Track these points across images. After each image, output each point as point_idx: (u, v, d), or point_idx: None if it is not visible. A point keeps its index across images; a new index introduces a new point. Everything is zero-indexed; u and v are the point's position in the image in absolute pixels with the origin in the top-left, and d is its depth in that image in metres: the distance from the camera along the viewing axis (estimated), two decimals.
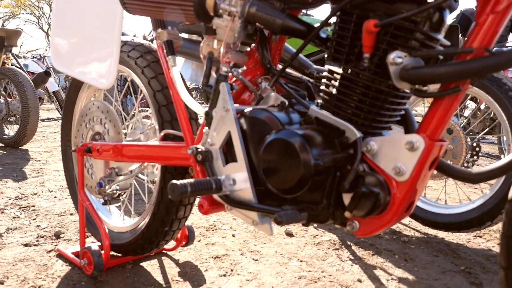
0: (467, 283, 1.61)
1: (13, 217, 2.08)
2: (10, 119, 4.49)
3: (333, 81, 0.88)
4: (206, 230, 2.02)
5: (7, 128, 4.49)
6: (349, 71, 0.84)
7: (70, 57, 1.55)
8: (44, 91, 7.08)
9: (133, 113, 1.62)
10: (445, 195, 2.48)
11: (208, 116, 1.00)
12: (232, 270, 1.61)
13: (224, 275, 1.56)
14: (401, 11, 0.76)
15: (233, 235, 1.97)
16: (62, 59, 1.57)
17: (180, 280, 1.51)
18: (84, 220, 1.56)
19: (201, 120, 1.12)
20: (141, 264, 1.63)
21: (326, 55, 0.89)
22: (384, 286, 1.56)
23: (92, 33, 1.46)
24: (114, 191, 1.51)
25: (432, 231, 2.17)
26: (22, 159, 3.57)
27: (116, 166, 1.51)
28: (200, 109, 1.13)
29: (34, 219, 2.07)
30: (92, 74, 1.46)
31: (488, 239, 2.12)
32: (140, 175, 1.57)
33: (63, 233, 1.90)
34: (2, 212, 2.14)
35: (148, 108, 1.52)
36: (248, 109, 0.95)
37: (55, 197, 2.48)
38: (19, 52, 12.24)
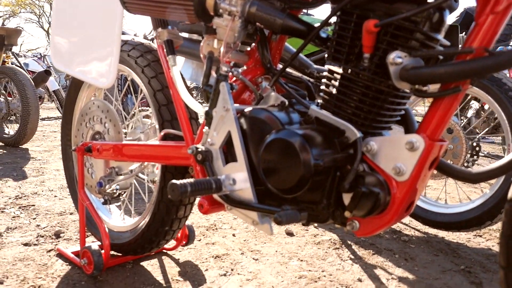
0: (467, 282, 1.61)
1: (13, 217, 2.08)
2: (10, 118, 4.49)
3: (333, 81, 0.88)
4: (207, 230, 2.02)
5: (7, 127, 4.49)
6: (349, 71, 0.84)
7: (70, 56, 1.55)
8: (45, 90, 7.08)
9: (133, 112, 1.62)
10: (445, 195, 2.48)
11: (208, 115, 1.00)
12: (232, 270, 1.61)
13: (225, 275, 1.57)
14: (401, 11, 0.76)
15: (234, 235, 1.97)
16: (62, 58, 1.57)
17: (180, 280, 1.51)
18: (84, 220, 1.56)
19: (201, 119, 1.13)
20: (141, 263, 1.63)
21: (326, 55, 0.90)
22: (384, 285, 1.56)
23: (92, 32, 1.46)
24: (114, 191, 1.51)
25: (432, 231, 2.17)
26: (22, 158, 3.57)
27: (116, 166, 1.51)
28: (200, 108, 1.13)
29: (34, 219, 2.07)
30: (92, 73, 1.46)
31: (488, 239, 2.12)
32: (140, 175, 1.57)
33: (63, 233, 1.90)
34: (2, 212, 2.15)
35: (148, 108, 1.52)
36: (248, 109, 0.95)
37: (55, 196, 2.48)
38: (20, 51, 12.24)
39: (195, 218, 2.16)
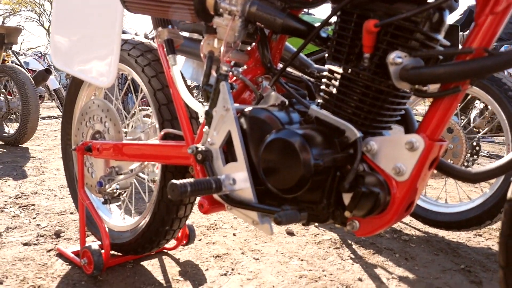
0: (467, 281, 1.61)
1: (13, 216, 2.08)
2: (10, 117, 4.48)
3: (333, 81, 0.88)
4: (207, 229, 2.02)
5: (7, 126, 4.49)
6: (349, 70, 0.84)
7: (70, 55, 1.55)
8: (45, 89, 7.08)
9: (133, 111, 1.62)
10: (446, 194, 2.48)
11: (208, 115, 1.00)
12: (232, 269, 1.61)
13: (225, 274, 1.57)
14: (401, 11, 0.76)
15: (234, 234, 1.97)
16: (62, 57, 1.57)
17: (180, 280, 1.51)
18: (84, 219, 1.56)
19: (202, 119, 1.12)
20: (141, 263, 1.63)
21: (326, 55, 0.90)
22: (384, 285, 1.56)
23: (92, 31, 1.46)
24: (114, 190, 1.51)
25: (432, 230, 2.18)
26: (22, 158, 3.57)
27: (116, 165, 1.51)
28: (200, 108, 1.13)
29: (34, 218, 2.07)
30: (92, 72, 1.46)
31: (488, 238, 2.12)
32: (140, 174, 1.57)
33: (63, 232, 1.90)
34: (2, 211, 2.15)
35: (148, 107, 1.52)
36: (248, 109, 0.95)
37: (56, 195, 2.48)
38: (20, 50, 12.25)
39: (196, 217, 2.16)
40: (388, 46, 0.78)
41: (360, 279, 1.58)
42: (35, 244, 1.75)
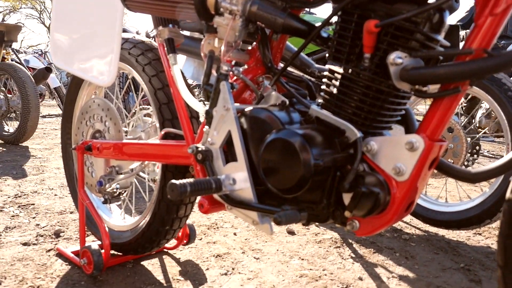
0: (466, 280, 1.62)
1: (12, 216, 2.08)
2: (10, 116, 4.48)
3: (333, 81, 0.88)
4: (208, 229, 2.02)
5: (7, 125, 4.49)
6: (350, 71, 0.84)
7: (70, 54, 1.55)
8: (46, 87, 7.08)
9: (134, 111, 1.62)
10: (446, 193, 2.48)
11: (209, 115, 1.00)
12: (233, 269, 1.61)
13: (225, 274, 1.57)
14: (402, 11, 0.76)
15: (235, 234, 1.97)
16: (62, 56, 1.57)
17: (181, 279, 1.52)
18: (84, 219, 1.56)
19: (202, 118, 1.12)
20: (141, 263, 1.63)
21: (327, 55, 0.89)
22: (385, 284, 1.56)
23: (92, 30, 1.45)
24: (115, 190, 1.51)
25: (432, 229, 2.18)
26: (22, 156, 3.57)
27: (117, 165, 1.51)
28: (200, 107, 1.13)
29: (34, 218, 2.07)
30: (92, 71, 1.46)
31: (487, 237, 2.12)
32: (140, 174, 1.57)
33: (63, 232, 1.90)
34: (1, 211, 2.15)
35: (149, 106, 1.52)
36: (248, 108, 0.95)
37: (56, 195, 2.48)
38: (20, 47, 12.23)
39: (196, 217, 2.17)
40: (389, 47, 0.78)
41: (360, 278, 1.58)
42: (34, 244, 1.75)
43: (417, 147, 0.76)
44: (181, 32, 1.26)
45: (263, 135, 0.89)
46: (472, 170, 0.87)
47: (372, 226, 0.84)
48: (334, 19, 0.88)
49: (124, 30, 1.37)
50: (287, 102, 0.95)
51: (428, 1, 0.76)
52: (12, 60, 5.69)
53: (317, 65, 1.36)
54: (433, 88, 0.78)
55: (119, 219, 1.71)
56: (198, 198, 1.07)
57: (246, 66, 1.12)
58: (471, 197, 2.34)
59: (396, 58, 0.76)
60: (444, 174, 0.90)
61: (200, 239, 1.88)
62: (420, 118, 0.86)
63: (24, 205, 2.25)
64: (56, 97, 6.67)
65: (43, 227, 1.94)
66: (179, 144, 1.23)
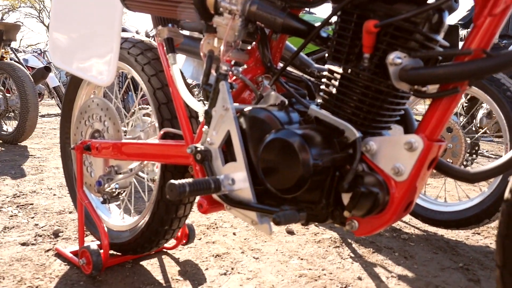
0: (465, 279, 1.62)
1: (11, 216, 2.08)
2: (9, 115, 4.47)
3: (333, 81, 0.88)
4: (207, 228, 2.02)
5: (6, 124, 4.48)
6: (349, 71, 0.84)
7: (69, 53, 1.55)
8: (45, 87, 7.07)
9: (133, 110, 1.62)
10: (445, 193, 2.48)
11: (208, 115, 1.00)
12: (232, 269, 1.61)
13: (225, 274, 1.57)
14: (401, 12, 0.76)
15: (234, 233, 1.97)
16: (61, 55, 1.57)
17: (180, 279, 1.51)
18: (83, 219, 1.55)
19: (202, 118, 1.12)
20: (141, 263, 1.63)
21: (326, 55, 0.89)
22: (384, 283, 1.56)
23: (91, 29, 1.45)
24: (114, 190, 1.51)
25: (431, 229, 2.18)
26: (21, 156, 3.57)
27: (116, 164, 1.51)
28: (199, 107, 1.13)
29: (32, 218, 2.07)
30: (91, 71, 1.45)
31: (486, 236, 2.12)
32: (140, 173, 1.57)
33: (62, 232, 1.89)
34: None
35: (148, 106, 1.51)
36: (247, 108, 0.95)
37: (54, 195, 2.48)
38: (19, 47, 12.22)
39: (196, 216, 2.17)
40: (388, 47, 0.78)
41: (359, 278, 1.58)
42: (33, 244, 1.75)
43: (416, 147, 0.76)
44: (180, 31, 1.25)
45: (262, 135, 0.89)
46: (471, 170, 0.87)
47: (371, 226, 0.84)
48: (334, 19, 0.88)
49: (124, 30, 1.37)
50: (286, 102, 0.95)
51: (428, 1, 0.76)
52: (11, 59, 5.66)
53: (316, 65, 1.36)
54: (432, 88, 0.78)
55: (118, 219, 1.71)
56: (197, 198, 1.07)
57: (245, 66, 1.12)
58: (470, 197, 2.34)
59: (395, 58, 0.76)
60: (443, 174, 0.91)
61: (199, 239, 1.88)
62: (419, 118, 0.86)
63: (22, 205, 2.24)
64: (55, 97, 6.66)
65: (42, 227, 1.94)
66: (178, 144, 1.23)
